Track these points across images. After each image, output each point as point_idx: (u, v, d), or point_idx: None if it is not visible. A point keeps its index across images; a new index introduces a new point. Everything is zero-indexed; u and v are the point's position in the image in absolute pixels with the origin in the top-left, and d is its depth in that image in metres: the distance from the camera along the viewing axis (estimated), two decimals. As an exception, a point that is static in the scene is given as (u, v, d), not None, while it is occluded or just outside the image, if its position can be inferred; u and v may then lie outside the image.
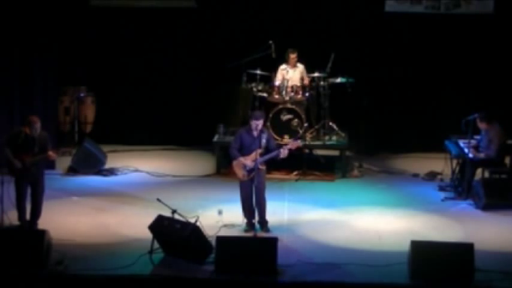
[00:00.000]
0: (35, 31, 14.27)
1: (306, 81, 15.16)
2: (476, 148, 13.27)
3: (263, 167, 11.54)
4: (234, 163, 11.54)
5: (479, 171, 13.32)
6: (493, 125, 13.21)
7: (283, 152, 11.48)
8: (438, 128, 15.28)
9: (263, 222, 11.66)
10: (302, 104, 14.94)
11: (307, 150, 14.91)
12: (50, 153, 11.31)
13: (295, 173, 14.46)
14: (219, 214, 11.82)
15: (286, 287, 10.07)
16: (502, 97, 15.03)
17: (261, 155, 11.43)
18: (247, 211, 11.62)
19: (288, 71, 15.06)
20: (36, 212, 11.51)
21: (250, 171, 11.37)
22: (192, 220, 10.56)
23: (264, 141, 11.47)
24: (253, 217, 11.63)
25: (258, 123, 11.43)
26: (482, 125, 13.21)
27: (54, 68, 14.66)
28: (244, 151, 11.49)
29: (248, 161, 11.40)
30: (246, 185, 11.50)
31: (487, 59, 15.90)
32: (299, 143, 12.23)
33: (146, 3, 16.23)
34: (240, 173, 11.46)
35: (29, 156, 11.23)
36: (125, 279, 10.03)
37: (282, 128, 14.43)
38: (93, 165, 14.59)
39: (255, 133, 11.48)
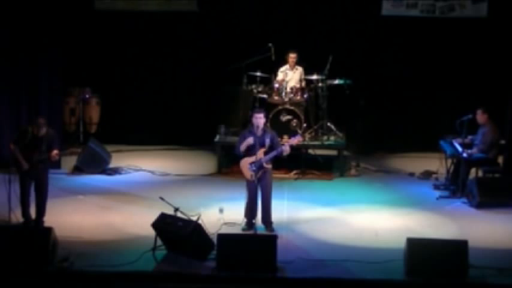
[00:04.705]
0: (40, 33, 14.33)
1: (303, 84, 15.27)
2: (469, 146, 13.41)
3: (269, 166, 11.55)
4: (241, 164, 11.58)
5: (473, 170, 13.49)
6: (489, 121, 13.39)
7: (286, 149, 11.52)
8: (433, 129, 15.32)
9: (268, 222, 11.67)
10: (301, 105, 15.03)
11: (304, 150, 15.02)
12: (53, 154, 11.38)
13: (294, 172, 14.57)
14: (220, 212, 11.88)
15: (285, 283, 10.14)
16: (496, 98, 14.99)
17: (265, 153, 11.49)
18: (250, 211, 11.62)
19: (287, 73, 15.19)
20: (40, 209, 11.56)
21: (255, 170, 11.43)
22: (194, 218, 10.68)
23: (267, 140, 11.53)
24: (254, 217, 11.62)
25: (258, 117, 11.49)
26: (481, 118, 13.34)
27: (59, 69, 14.72)
28: (249, 151, 11.53)
29: (253, 160, 11.44)
30: (252, 184, 11.51)
31: (481, 61, 15.99)
32: (299, 138, 12.29)
33: (149, 7, 16.32)
34: (247, 173, 11.53)
35: (36, 154, 11.35)
36: (129, 276, 10.09)
37: (282, 129, 14.45)
38: (98, 164, 14.67)
39: (258, 133, 11.55)
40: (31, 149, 11.40)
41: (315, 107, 15.54)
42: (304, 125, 14.86)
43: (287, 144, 11.65)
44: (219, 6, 16.27)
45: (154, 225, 10.78)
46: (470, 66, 16.11)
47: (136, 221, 11.95)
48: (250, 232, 11.38)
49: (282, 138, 14.09)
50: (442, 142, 13.91)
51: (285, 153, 11.63)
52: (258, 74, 15.30)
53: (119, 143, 16.37)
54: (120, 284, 10.10)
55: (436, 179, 14.41)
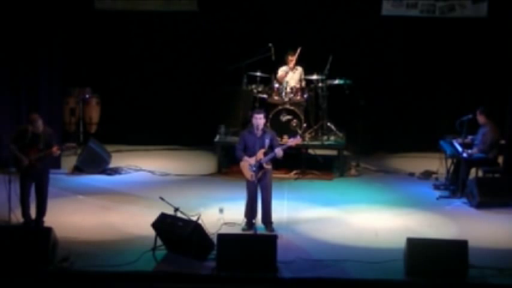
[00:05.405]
0: (41, 33, 14.35)
1: (303, 84, 15.26)
2: (469, 145, 13.43)
3: (269, 167, 11.55)
4: (241, 164, 11.61)
5: (473, 170, 13.49)
6: (490, 121, 13.39)
7: (278, 152, 11.47)
8: (433, 129, 15.38)
9: (268, 222, 11.69)
10: (301, 105, 15.02)
11: (304, 150, 15.02)
12: (53, 149, 11.36)
13: (294, 172, 14.58)
14: (220, 212, 11.87)
15: (285, 283, 10.14)
16: (496, 98, 15.07)
17: (265, 154, 11.48)
18: (250, 211, 11.62)
19: (287, 73, 15.18)
20: (41, 209, 11.57)
21: (255, 171, 11.43)
22: (194, 218, 10.69)
23: (267, 141, 11.53)
24: (254, 217, 11.62)
25: (258, 118, 11.49)
26: (481, 118, 13.35)
27: (59, 69, 14.72)
28: (249, 152, 11.54)
29: (253, 161, 11.46)
30: (252, 184, 11.53)
31: (481, 61, 16.00)
32: (298, 139, 12.31)
33: (149, 7, 16.32)
34: (248, 173, 11.53)
35: (34, 152, 11.34)
36: (129, 276, 10.10)
37: (282, 129, 14.47)
38: (98, 164, 14.68)
39: (258, 133, 11.56)
40: (29, 148, 11.38)
41: (315, 107, 15.54)
42: (304, 125, 14.85)
43: (280, 148, 11.56)
44: (219, 6, 16.27)
45: (155, 225, 10.78)
46: (470, 66, 16.10)
47: (136, 221, 11.96)
48: (250, 232, 11.39)
49: (282, 138, 14.11)
50: (442, 142, 13.92)
51: (278, 156, 11.58)
52: (258, 74, 15.30)
53: (119, 143, 16.38)
54: (120, 284, 10.10)
55: (436, 179, 14.41)
